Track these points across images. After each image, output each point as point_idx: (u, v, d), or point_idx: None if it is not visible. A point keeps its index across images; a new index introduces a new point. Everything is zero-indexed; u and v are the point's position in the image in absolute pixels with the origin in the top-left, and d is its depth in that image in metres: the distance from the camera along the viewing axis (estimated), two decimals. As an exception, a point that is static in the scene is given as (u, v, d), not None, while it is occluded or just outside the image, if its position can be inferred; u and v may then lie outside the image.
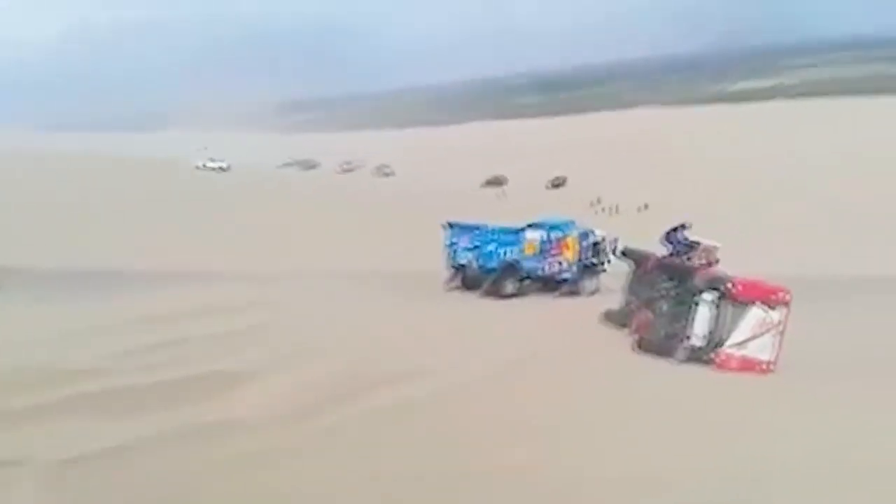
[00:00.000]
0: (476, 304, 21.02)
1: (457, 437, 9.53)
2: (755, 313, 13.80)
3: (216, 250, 30.88)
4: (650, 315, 15.75)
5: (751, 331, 13.77)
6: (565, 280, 23.44)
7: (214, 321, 15.74)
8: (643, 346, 14.87)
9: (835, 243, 37.50)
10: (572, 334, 16.49)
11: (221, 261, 27.08)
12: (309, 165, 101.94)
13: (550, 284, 23.34)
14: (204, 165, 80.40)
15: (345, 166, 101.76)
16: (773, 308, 13.77)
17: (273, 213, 44.93)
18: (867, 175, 65.56)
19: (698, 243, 18.83)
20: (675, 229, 19.39)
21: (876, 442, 9.56)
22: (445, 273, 23.83)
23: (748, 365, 13.66)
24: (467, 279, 23.22)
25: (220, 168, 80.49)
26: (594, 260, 24.05)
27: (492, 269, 22.42)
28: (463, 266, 23.16)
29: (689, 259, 18.24)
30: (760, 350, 13.72)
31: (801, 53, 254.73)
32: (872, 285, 25.51)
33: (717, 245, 18.82)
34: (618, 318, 17.15)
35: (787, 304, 13.76)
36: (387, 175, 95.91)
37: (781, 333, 13.66)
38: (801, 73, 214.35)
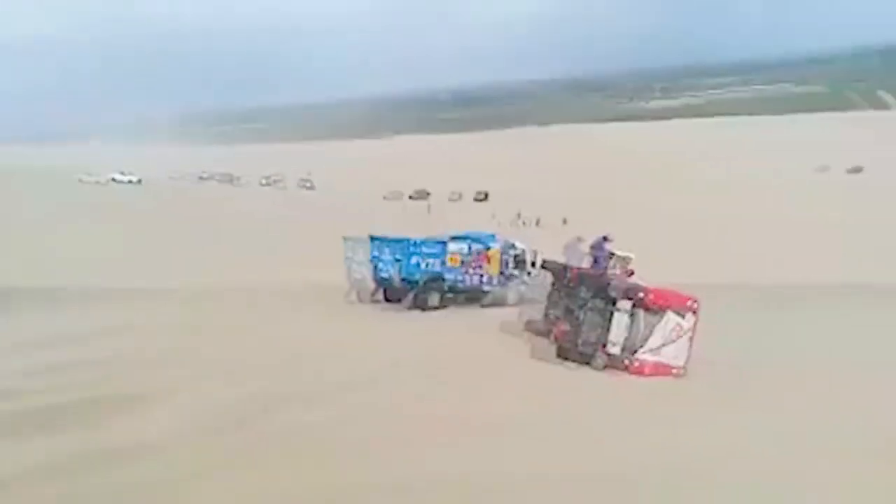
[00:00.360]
0: (399, 317, 20.98)
1: (375, 450, 9.45)
2: (667, 321, 14.44)
3: (125, 266, 29.70)
4: (570, 324, 16.19)
5: (664, 337, 14.39)
6: (488, 292, 23.73)
7: (124, 340, 15.19)
8: (563, 354, 15.26)
9: (742, 253, 39.52)
10: (495, 344, 16.73)
11: (132, 278, 26.05)
12: (228, 178, 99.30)
13: (474, 296, 23.57)
14: (113, 179, 77.21)
15: (266, 179, 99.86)
16: (683, 315, 14.46)
17: (186, 227, 43.62)
18: (772, 188, 69.81)
19: (613, 254, 19.55)
20: (598, 242, 20.07)
21: (764, 445, 10.13)
22: (353, 286, 23.56)
23: (661, 370, 14.26)
24: (390, 292, 23.13)
25: (131, 181, 77.44)
26: (516, 272, 24.44)
27: (415, 282, 22.41)
28: (386, 279, 23.05)
29: (605, 269, 18.90)
30: (673, 356, 14.36)
31: (708, 75, 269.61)
32: (775, 292, 27.05)
33: (631, 256, 19.56)
34: (539, 328, 17.51)
35: (695, 311, 14.48)
36: (307, 188, 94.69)
37: (691, 339, 14.35)
38: (708, 94, 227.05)
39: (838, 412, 11.54)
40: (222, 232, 43.43)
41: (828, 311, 22.87)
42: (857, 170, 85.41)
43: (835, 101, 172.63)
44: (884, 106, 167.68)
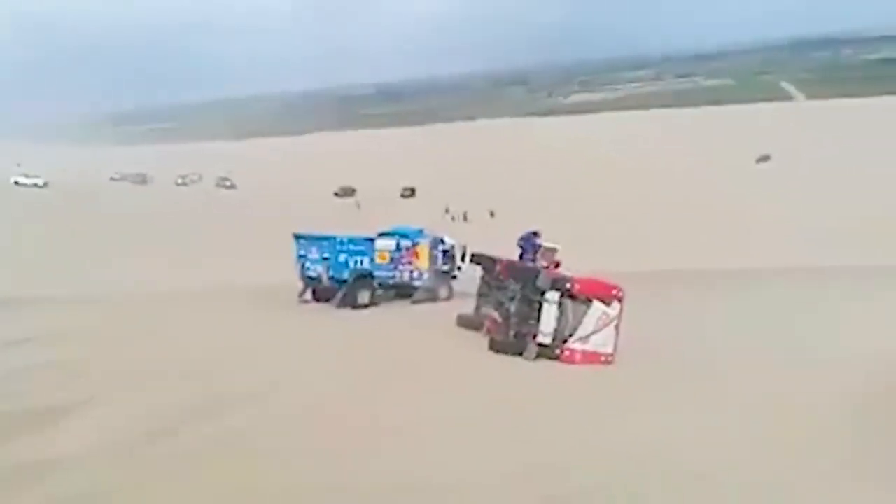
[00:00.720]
0: (329, 316, 20.62)
1: (296, 456, 9.18)
2: (595, 309, 14.71)
3: (39, 273, 28.10)
4: (501, 317, 16.31)
5: (592, 326, 14.66)
6: (419, 287, 23.66)
7: (41, 350, 14.36)
8: (496, 346, 15.33)
9: (662, 240, 40.93)
10: (428, 340, 16.64)
11: (40, 286, 24.63)
12: (141, 179, 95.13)
13: (405, 292, 23.45)
14: (16, 182, 72.67)
15: (182, 179, 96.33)
16: (609, 304, 14.76)
17: (96, 231, 41.62)
18: (688, 178, 72.57)
19: (540, 245, 19.86)
20: (528, 235, 20.33)
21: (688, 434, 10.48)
22: (300, 285, 23.23)
23: (591, 358, 14.52)
24: (319, 291, 22.73)
25: (36, 185, 73.08)
26: (446, 267, 24.47)
27: (344, 280, 22.09)
28: (314, 278, 22.63)
29: (533, 261, 19.16)
30: (601, 343, 14.64)
31: (624, 69, 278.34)
32: (695, 277, 28.12)
33: (557, 247, 19.90)
34: (471, 322, 17.55)
35: (621, 299, 14.80)
36: (228, 188, 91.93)
37: (617, 327, 14.67)
38: (625, 88, 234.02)
39: (757, 398, 11.98)
40: (136, 236, 41.62)
41: (745, 292, 23.94)
42: (766, 159, 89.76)
43: (742, 93, 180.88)
44: (788, 97, 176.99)
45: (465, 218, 58.75)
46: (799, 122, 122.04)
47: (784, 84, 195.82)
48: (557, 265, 18.77)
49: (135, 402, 10.90)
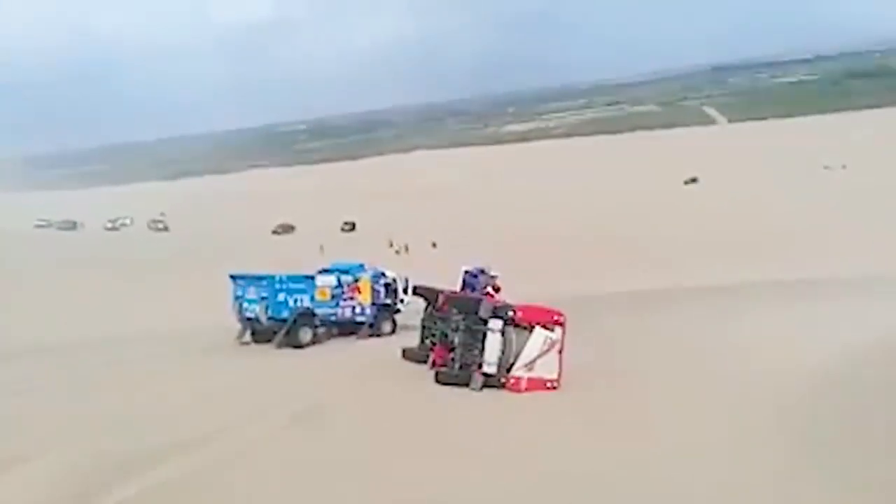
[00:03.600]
0: (268, 357, 20.06)
1: (247, 498, 8.86)
2: (537, 336, 14.76)
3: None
4: (445, 348, 16.20)
5: (535, 352, 14.69)
6: (362, 323, 23.36)
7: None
8: (441, 378, 15.15)
9: (598, 265, 41.80)
10: (372, 375, 16.37)
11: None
12: (68, 225, 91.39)
13: (348, 328, 23.11)
14: None
15: (111, 223, 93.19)
16: (552, 329, 14.84)
17: (24, 280, 39.71)
18: (621, 202, 74.57)
19: (483, 272, 19.98)
20: (471, 271, 20.42)
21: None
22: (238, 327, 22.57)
23: (536, 385, 14.52)
24: (258, 332, 22.11)
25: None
26: (388, 301, 24.28)
27: (284, 320, 21.56)
28: (252, 319, 22.02)
29: (474, 290, 19.22)
30: (545, 370, 14.66)
31: (553, 99, 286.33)
32: (630, 299, 28.75)
33: (497, 274, 20.07)
34: (416, 355, 17.36)
35: (562, 324, 14.90)
36: (160, 230, 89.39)
37: (560, 352, 14.75)
38: (556, 118, 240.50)
39: (694, 413, 12.20)
40: (64, 284, 39.87)
41: (677, 310, 24.56)
42: (693, 181, 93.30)
43: (667, 119, 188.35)
44: (710, 121, 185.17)
45: (406, 250, 58.68)
46: (722, 144, 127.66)
47: (706, 108, 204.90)
48: (497, 290, 18.89)
49: (72, 455, 10.29)
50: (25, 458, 10.26)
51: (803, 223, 48.53)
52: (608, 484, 9.21)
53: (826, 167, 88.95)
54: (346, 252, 40.24)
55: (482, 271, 20.57)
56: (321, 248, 56.03)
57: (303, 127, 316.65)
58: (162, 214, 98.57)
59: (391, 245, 60.61)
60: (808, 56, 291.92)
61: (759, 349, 16.54)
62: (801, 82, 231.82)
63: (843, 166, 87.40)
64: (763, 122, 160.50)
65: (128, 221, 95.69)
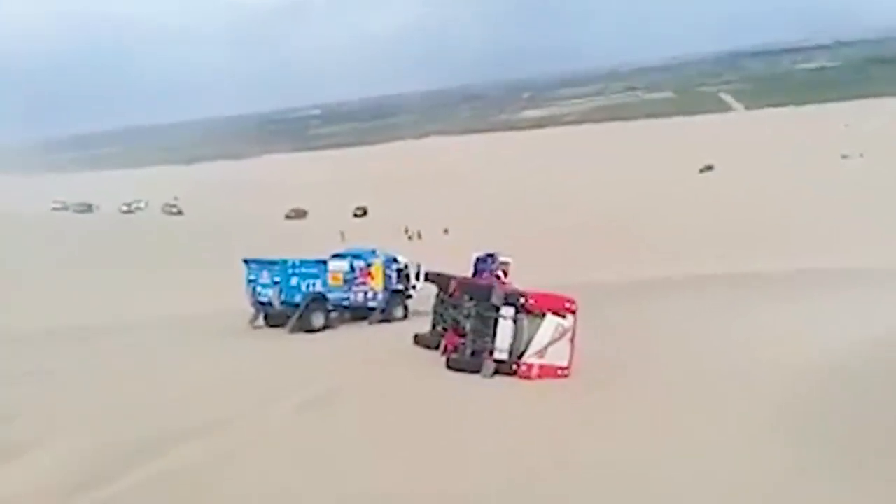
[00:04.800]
0: (282, 341, 20.24)
1: (250, 491, 8.95)
2: (549, 323, 14.75)
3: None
4: (457, 334, 16.24)
5: (547, 340, 14.69)
6: (374, 308, 23.45)
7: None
8: (453, 364, 15.22)
9: (611, 252, 41.60)
10: (383, 361, 16.46)
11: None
12: (84, 208, 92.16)
13: (360, 314, 23.22)
14: None
15: (127, 206, 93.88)
16: (563, 317, 14.83)
17: (42, 263, 40.13)
18: (635, 189, 74.08)
19: (493, 258, 19.97)
20: (484, 258, 20.41)
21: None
22: (251, 311, 22.74)
23: (547, 372, 14.54)
24: (271, 317, 22.27)
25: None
26: (400, 286, 24.34)
27: (296, 304, 21.69)
28: (265, 303, 22.17)
29: (493, 275, 19.24)
30: (557, 357, 14.67)
31: (569, 85, 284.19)
32: (643, 287, 28.63)
33: (509, 260, 20.05)
34: (428, 341, 17.43)
35: (574, 312, 14.89)
36: (174, 213, 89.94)
37: (572, 340, 14.74)
38: (570, 103, 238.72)
39: (706, 406, 12.17)
40: (80, 266, 40.29)
41: (691, 299, 24.43)
42: (709, 168, 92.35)
43: (683, 105, 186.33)
44: (727, 108, 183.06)
45: (419, 236, 58.72)
46: (739, 131, 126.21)
47: (723, 95, 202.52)
48: (506, 273, 18.89)
49: (70, 445, 10.37)
50: (35, 443, 10.36)
51: (818, 213, 47.97)
52: (615, 479, 9.23)
53: (844, 156, 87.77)
54: (356, 237, 40.36)
55: (493, 257, 20.52)
56: (342, 234, 55.88)
57: (317, 112, 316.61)
58: (176, 198, 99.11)
59: (406, 231, 60.60)
60: (828, 42, 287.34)
61: (766, 342, 16.43)
62: (820, 69, 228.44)
63: (861, 154, 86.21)
64: (781, 108, 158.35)
65: (142, 205, 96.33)
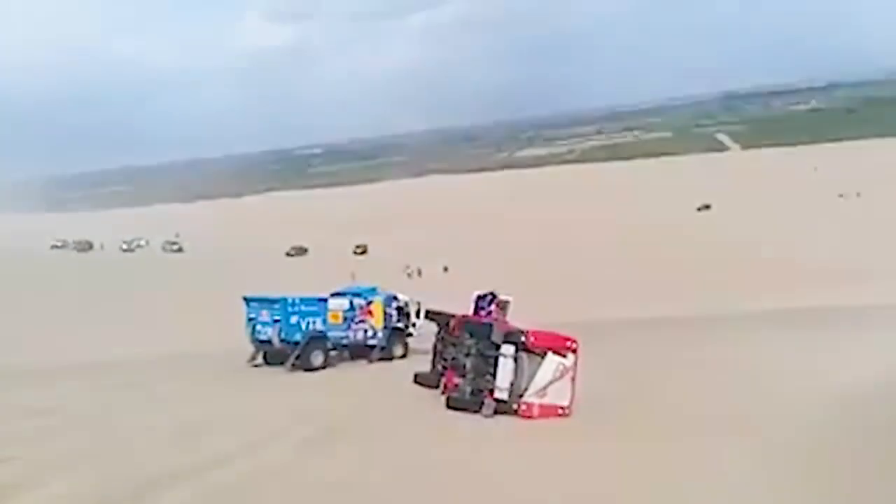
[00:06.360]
0: (281, 380, 20.09)
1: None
2: (550, 362, 14.69)
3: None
4: (457, 373, 16.14)
5: (548, 379, 14.61)
6: (374, 346, 23.34)
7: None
8: (453, 404, 15.08)
9: (611, 290, 41.62)
10: (383, 400, 16.35)
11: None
12: (84, 246, 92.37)
13: (360, 352, 23.08)
14: None
15: (126, 245, 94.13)
16: (564, 356, 14.77)
17: (40, 301, 40.09)
18: (635, 227, 74.46)
19: (494, 296, 19.94)
20: (484, 296, 20.38)
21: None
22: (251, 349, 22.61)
23: (548, 411, 14.42)
24: (270, 355, 22.14)
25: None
26: (401, 324, 24.27)
27: (296, 343, 21.58)
28: (265, 341, 22.06)
29: (487, 314, 19.19)
30: (558, 396, 14.56)
31: (567, 125, 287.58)
32: (642, 325, 28.58)
33: (509, 299, 20.02)
34: (429, 380, 17.31)
35: (575, 350, 14.83)
36: (175, 251, 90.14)
37: (573, 379, 14.65)
38: (570, 143, 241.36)
39: (710, 445, 12.09)
40: (78, 305, 40.22)
41: (688, 336, 24.34)
42: (706, 207, 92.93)
43: (680, 145, 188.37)
44: (723, 147, 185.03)
45: (419, 273, 58.80)
46: (735, 171, 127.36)
47: (719, 136, 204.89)
48: (502, 310, 18.85)
49: (80, 482, 10.27)
50: (34, 483, 10.15)
51: (816, 251, 48.19)
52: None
53: (841, 195, 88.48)
54: (357, 275, 40.37)
55: (494, 296, 20.49)
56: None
57: (318, 151, 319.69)
58: (176, 236, 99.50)
59: (406, 269, 60.65)
60: (822, 84, 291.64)
61: (772, 376, 16.38)
62: (814, 110, 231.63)
63: (858, 194, 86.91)
64: (776, 149, 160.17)
65: (143, 243, 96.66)
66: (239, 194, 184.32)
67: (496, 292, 20.93)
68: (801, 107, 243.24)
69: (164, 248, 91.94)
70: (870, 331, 21.57)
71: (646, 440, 12.33)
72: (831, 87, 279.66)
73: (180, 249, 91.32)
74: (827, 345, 20.16)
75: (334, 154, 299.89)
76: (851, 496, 9.50)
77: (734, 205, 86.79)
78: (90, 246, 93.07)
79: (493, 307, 19.48)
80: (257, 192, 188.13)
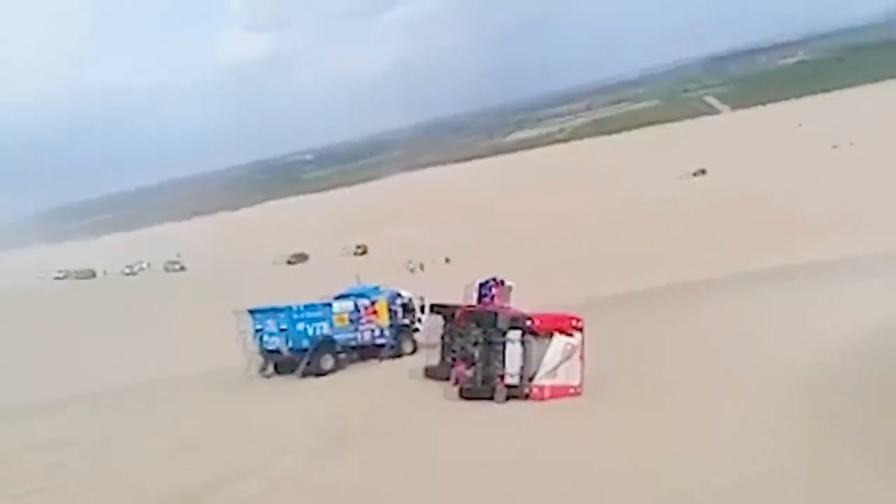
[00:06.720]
0: (292, 388, 20.15)
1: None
2: (557, 343, 14.75)
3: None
4: (467, 363, 16.21)
5: (557, 360, 14.68)
6: (383, 345, 23.38)
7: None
8: (465, 394, 15.19)
9: (615, 265, 41.59)
10: (395, 398, 16.43)
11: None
12: (86, 274, 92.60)
13: (369, 352, 23.12)
14: None
15: (129, 269, 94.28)
16: (571, 335, 14.83)
17: (47, 332, 40.21)
18: (635, 199, 74.33)
19: (496, 283, 20.00)
20: (486, 283, 20.44)
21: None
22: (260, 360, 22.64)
23: (560, 392, 14.50)
24: (280, 364, 22.18)
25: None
26: (407, 320, 24.30)
27: (304, 349, 21.63)
28: (273, 351, 22.11)
29: (490, 300, 19.26)
30: (568, 376, 14.64)
31: (556, 104, 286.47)
32: (644, 297, 28.58)
33: (511, 284, 20.08)
34: (439, 372, 17.40)
35: (581, 329, 14.89)
36: (177, 270, 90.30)
37: (582, 358, 14.71)
38: (560, 122, 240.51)
39: (716, 412, 12.15)
40: (82, 332, 40.36)
41: (691, 303, 24.26)
42: (702, 172, 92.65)
43: (671, 112, 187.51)
44: (713, 110, 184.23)
45: (421, 268, 58.82)
46: (727, 132, 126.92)
47: (708, 98, 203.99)
48: (500, 295, 18.93)
49: None
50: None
51: (812, 205, 48.09)
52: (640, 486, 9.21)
53: (834, 146, 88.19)
54: (362, 274, 40.27)
55: (496, 281, 20.54)
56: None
57: (309, 157, 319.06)
58: (178, 255, 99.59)
59: (408, 264, 60.61)
60: (805, 35, 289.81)
61: (773, 335, 16.40)
62: (801, 62, 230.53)
63: (851, 143, 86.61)
64: (765, 106, 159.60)
65: (145, 265, 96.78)
66: (235, 207, 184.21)
67: (498, 278, 21.00)
68: (789, 60, 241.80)
69: (166, 269, 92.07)
70: (863, 281, 21.54)
71: (651, 410, 12.41)
72: (816, 38, 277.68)
73: (182, 268, 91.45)
74: (822, 299, 20.16)
75: (326, 158, 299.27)
76: (846, 449, 9.59)
77: (729, 167, 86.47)
78: (93, 274, 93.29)
79: (494, 291, 19.53)
80: (253, 203, 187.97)
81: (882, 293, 18.57)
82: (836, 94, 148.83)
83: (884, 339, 13.60)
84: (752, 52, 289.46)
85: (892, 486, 8.46)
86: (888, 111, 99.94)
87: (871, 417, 10.32)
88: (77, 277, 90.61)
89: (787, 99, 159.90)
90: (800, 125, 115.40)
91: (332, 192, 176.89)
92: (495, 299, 19.61)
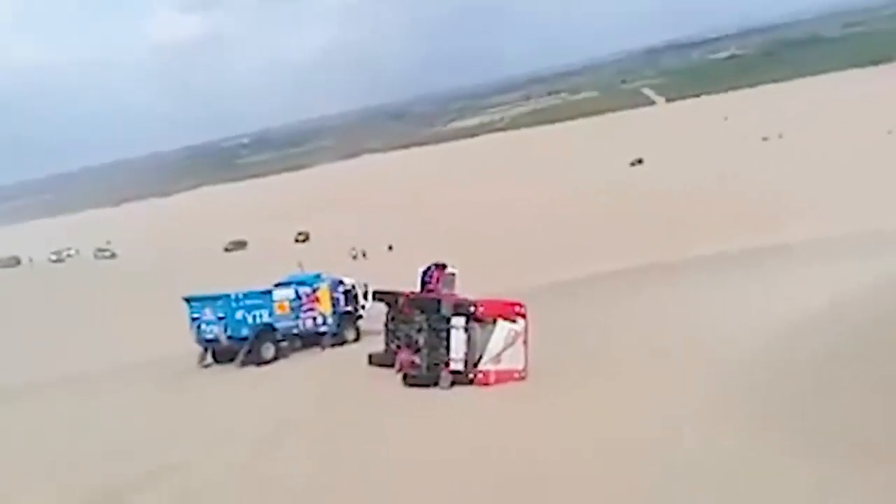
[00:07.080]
0: (231, 378, 19.70)
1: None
2: (501, 329, 14.87)
3: None
4: (411, 350, 16.18)
5: (501, 345, 14.80)
6: (325, 333, 23.10)
7: None
8: (410, 381, 15.18)
9: (553, 252, 42.19)
10: (338, 386, 16.28)
11: None
12: (11, 262, 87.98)
13: (311, 340, 22.82)
14: None
15: (56, 256, 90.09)
16: (514, 321, 14.97)
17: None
18: (574, 187, 75.54)
19: (438, 268, 19.94)
20: (428, 269, 20.32)
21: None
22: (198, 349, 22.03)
23: (505, 376, 14.65)
24: (219, 353, 21.64)
25: None
26: (349, 308, 24.07)
27: (244, 338, 21.14)
28: (212, 340, 21.53)
29: (433, 290, 19.20)
30: (512, 361, 14.80)
31: (494, 94, 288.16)
32: (590, 282, 29.15)
33: (455, 271, 20.08)
34: (383, 359, 17.32)
35: (524, 315, 15.06)
36: (108, 257, 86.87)
37: (525, 343, 14.88)
38: (499, 111, 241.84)
39: (659, 392, 12.46)
40: (13, 321, 38.44)
41: (630, 289, 24.93)
42: (639, 162, 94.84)
43: (608, 103, 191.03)
44: (650, 102, 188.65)
45: (364, 255, 58.29)
46: (663, 124, 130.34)
47: (645, 90, 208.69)
48: (439, 281, 18.97)
49: (42, 497, 9.97)
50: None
51: (745, 193, 49.91)
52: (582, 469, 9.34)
53: (764, 138, 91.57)
54: (305, 262, 39.64)
55: (438, 267, 20.46)
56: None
57: (245, 141, 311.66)
58: (108, 242, 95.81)
59: (351, 251, 59.96)
60: (738, 30, 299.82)
61: (710, 318, 16.96)
62: (732, 56, 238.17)
63: (780, 135, 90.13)
64: (699, 98, 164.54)
65: (73, 252, 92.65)
66: (167, 193, 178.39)
67: (441, 263, 20.93)
68: (721, 54, 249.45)
69: (95, 256, 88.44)
70: (797, 266, 22.53)
71: (592, 395, 12.66)
72: (748, 32, 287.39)
73: (113, 255, 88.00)
74: (758, 282, 20.98)
75: (262, 143, 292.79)
76: (780, 434, 9.98)
77: (665, 157, 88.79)
78: (17, 261, 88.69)
79: (436, 275, 19.45)
80: (187, 188, 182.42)
81: (817, 278, 19.44)
82: (767, 87, 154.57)
83: (819, 322, 14.23)
84: (686, 46, 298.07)
85: (820, 467, 8.80)
86: (815, 105, 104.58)
87: (806, 399, 10.75)
88: (0, 265, 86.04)
89: (719, 92, 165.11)
90: (726, 118, 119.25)
91: (270, 178, 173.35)
92: (437, 284, 19.53)
